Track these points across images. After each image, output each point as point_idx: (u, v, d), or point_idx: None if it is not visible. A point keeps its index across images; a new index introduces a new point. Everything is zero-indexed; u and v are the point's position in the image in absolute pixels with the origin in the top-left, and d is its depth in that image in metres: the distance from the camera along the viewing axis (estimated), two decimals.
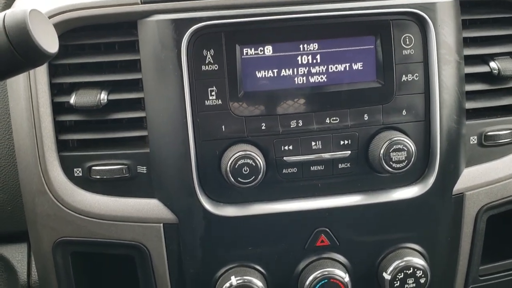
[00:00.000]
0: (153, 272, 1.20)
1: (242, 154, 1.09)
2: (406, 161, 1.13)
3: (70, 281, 1.23)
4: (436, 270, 1.23)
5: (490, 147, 1.26)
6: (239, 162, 1.10)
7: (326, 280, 1.17)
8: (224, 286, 1.16)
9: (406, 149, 1.12)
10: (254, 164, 1.10)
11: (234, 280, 1.16)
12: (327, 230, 1.19)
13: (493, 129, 1.25)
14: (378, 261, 1.22)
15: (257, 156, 1.10)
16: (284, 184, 1.17)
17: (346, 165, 1.17)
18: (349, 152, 1.16)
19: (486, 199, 1.26)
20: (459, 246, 1.28)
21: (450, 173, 1.21)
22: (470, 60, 1.23)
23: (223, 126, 1.13)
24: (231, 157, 1.09)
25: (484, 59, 1.24)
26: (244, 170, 1.10)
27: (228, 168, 1.10)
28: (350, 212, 1.19)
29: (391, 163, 1.13)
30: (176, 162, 1.14)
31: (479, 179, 1.25)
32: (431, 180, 1.19)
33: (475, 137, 1.24)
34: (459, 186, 1.23)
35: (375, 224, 1.20)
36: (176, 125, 1.12)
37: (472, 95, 1.24)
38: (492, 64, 1.23)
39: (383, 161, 1.13)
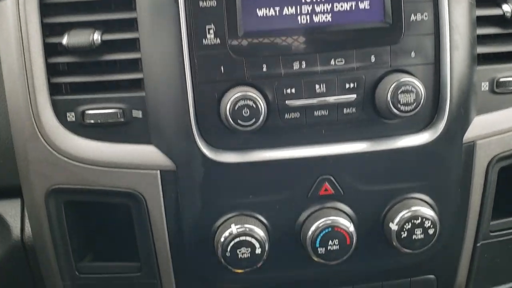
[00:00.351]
0: (150, 222, 1.16)
1: (242, 95, 1.04)
2: (415, 104, 1.07)
3: (64, 232, 1.19)
4: (445, 223, 1.18)
5: (502, 94, 1.20)
6: (239, 104, 1.04)
7: (329, 229, 1.12)
8: (223, 236, 1.11)
9: (414, 90, 1.07)
10: (254, 106, 1.05)
11: (234, 229, 1.11)
12: (331, 178, 1.14)
13: (506, 75, 1.19)
14: (384, 212, 1.17)
15: (257, 98, 1.05)
16: (287, 130, 1.11)
17: (351, 110, 1.11)
18: (355, 95, 1.10)
19: (498, 149, 1.21)
20: (469, 198, 1.23)
21: (460, 120, 1.15)
22: (481, 2, 1.17)
23: (222, 67, 1.07)
24: (231, 99, 1.04)
25: (496, 2, 1.18)
26: (244, 112, 1.05)
27: (227, 110, 1.04)
28: (355, 159, 1.13)
29: (399, 105, 1.07)
30: (173, 106, 1.09)
31: (490, 127, 1.20)
32: (441, 126, 1.13)
33: (487, 83, 1.19)
34: (469, 134, 1.18)
35: (382, 172, 1.15)
36: (173, 66, 1.07)
37: (483, 40, 1.18)
38: (505, 7, 1.17)
39: (390, 103, 1.07)
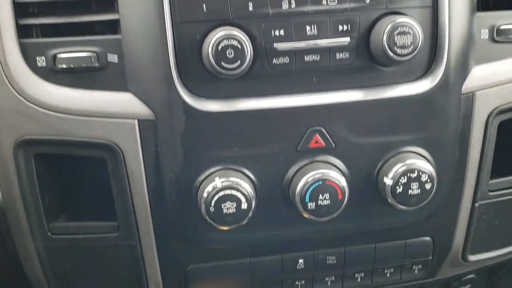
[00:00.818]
0: (127, 176, 1.08)
1: (226, 35, 0.96)
2: (412, 47, 1.00)
3: (34, 188, 1.10)
4: (442, 178, 1.11)
5: (502, 43, 1.14)
6: (223, 44, 0.96)
7: (320, 182, 1.04)
8: (206, 190, 1.03)
9: (412, 32, 0.99)
10: (239, 47, 0.97)
11: (218, 182, 1.03)
12: (322, 129, 1.07)
13: (506, 23, 1.12)
14: (378, 166, 1.10)
15: (243, 38, 0.97)
16: (275, 77, 1.04)
17: (344, 55, 1.04)
18: (348, 39, 1.02)
19: (497, 101, 1.15)
20: (468, 153, 1.16)
21: (459, 68, 1.09)
22: None
23: (203, 5, 0.99)
24: (213, 38, 0.96)
25: None
26: (228, 53, 0.97)
27: (209, 51, 0.96)
28: (348, 109, 1.06)
29: (395, 48, 1.00)
30: (151, 49, 1.01)
31: (490, 78, 1.13)
32: (439, 74, 1.07)
33: (487, 30, 1.12)
34: (468, 85, 1.11)
35: (376, 123, 1.08)
36: (151, 5, 0.99)
37: None
38: None
39: (386, 46, 1.00)
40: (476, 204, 1.22)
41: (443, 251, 1.26)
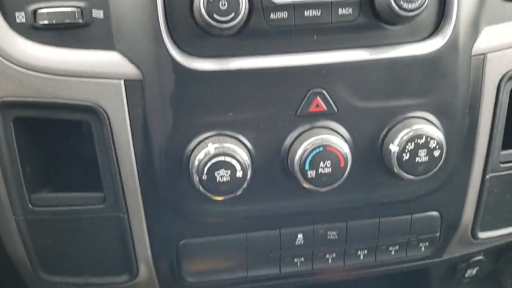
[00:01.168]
0: (113, 142, 1.00)
1: None
2: (420, 1, 0.93)
3: (14, 156, 1.03)
4: (451, 146, 1.04)
5: None
6: None
7: (321, 149, 0.97)
8: (198, 157, 0.96)
9: None
10: None
11: (212, 148, 0.96)
12: (323, 92, 0.99)
13: None
14: (383, 132, 1.03)
15: None
16: (272, 34, 0.96)
17: (347, 10, 0.96)
18: None
19: (510, 64, 1.07)
20: (478, 121, 1.09)
21: (469, 27, 1.01)
22: None
23: None
24: None
25: None
26: (222, 4, 0.89)
27: (201, 2, 0.89)
28: (352, 70, 0.99)
29: (401, 2, 0.92)
30: (139, 2, 0.94)
31: (502, 39, 1.06)
32: (447, 33, 0.99)
33: None
34: (479, 46, 1.04)
35: (381, 86, 1.00)
36: None
37: None
38: None
39: (392, 0, 0.92)
40: (487, 177, 1.15)
41: (452, 227, 1.19)
